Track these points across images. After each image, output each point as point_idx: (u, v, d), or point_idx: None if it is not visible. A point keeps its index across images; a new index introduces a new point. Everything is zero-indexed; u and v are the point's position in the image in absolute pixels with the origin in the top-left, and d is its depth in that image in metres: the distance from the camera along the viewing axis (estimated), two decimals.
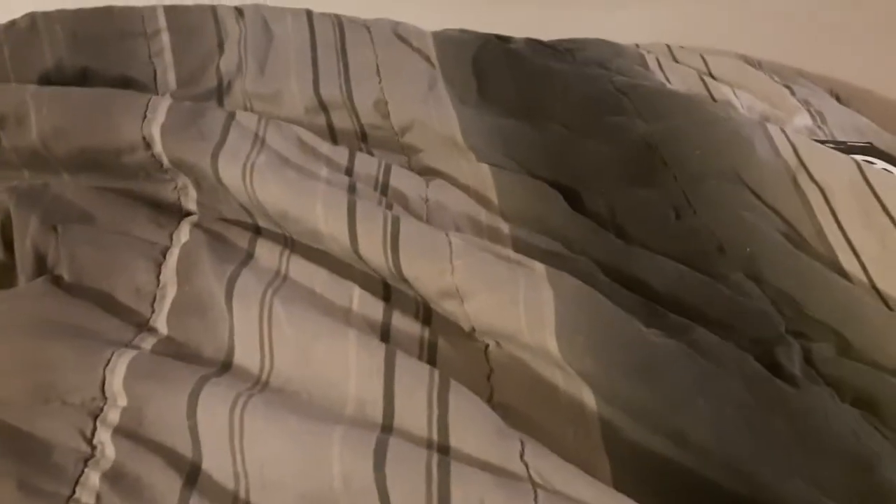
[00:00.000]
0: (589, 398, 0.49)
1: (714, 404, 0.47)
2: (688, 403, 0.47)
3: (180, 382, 0.47)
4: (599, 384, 0.49)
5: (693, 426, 0.46)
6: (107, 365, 0.48)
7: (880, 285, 0.60)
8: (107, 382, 0.47)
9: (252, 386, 0.49)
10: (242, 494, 0.44)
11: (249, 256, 0.58)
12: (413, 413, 0.46)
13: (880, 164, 0.72)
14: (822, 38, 1.01)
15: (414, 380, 0.48)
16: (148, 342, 0.51)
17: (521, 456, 0.44)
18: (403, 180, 0.66)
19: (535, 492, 0.41)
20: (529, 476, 0.43)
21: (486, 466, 0.43)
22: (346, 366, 0.49)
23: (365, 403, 0.47)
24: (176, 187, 0.62)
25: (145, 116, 0.61)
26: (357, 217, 0.56)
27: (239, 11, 0.77)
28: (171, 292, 0.55)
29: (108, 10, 0.73)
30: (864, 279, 0.60)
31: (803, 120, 0.82)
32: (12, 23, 0.70)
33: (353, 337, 0.50)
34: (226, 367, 0.51)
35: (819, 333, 0.56)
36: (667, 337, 0.51)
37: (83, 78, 0.69)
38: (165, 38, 0.73)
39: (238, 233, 0.61)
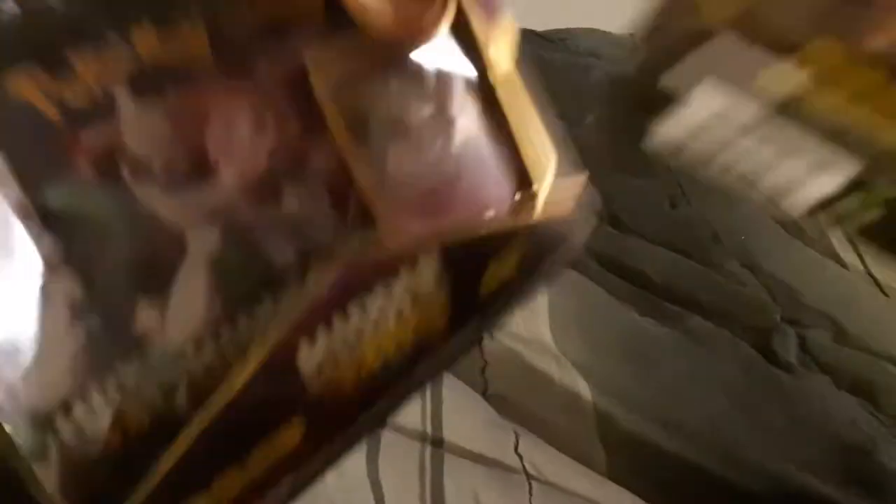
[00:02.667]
0: (584, 388, 0.49)
1: (708, 393, 0.47)
2: (682, 392, 0.47)
3: None
4: (594, 374, 0.49)
5: (687, 415, 0.46)
6: None
7: (875, 271, 0.60)
8: None
9: None
10: None
11: None
12: (407, 407, 0.46)
13: None
14: None
15: None
16: None
17: (516, 448, 0.43)
18: None
19: (530, 483, 0.41)
20: (524, 468, 0.43)
21: (479, 459, 0.43)
22: None
23: None
24: None
25: None
26: None
27: None
28: None
29: None
30: (860, 265, 0.60)
31: None
32: None
33: None
34: None
35: (815, 321, 0.56)
36: (661, 326, 0.51)
37: None
38: None
39: None
